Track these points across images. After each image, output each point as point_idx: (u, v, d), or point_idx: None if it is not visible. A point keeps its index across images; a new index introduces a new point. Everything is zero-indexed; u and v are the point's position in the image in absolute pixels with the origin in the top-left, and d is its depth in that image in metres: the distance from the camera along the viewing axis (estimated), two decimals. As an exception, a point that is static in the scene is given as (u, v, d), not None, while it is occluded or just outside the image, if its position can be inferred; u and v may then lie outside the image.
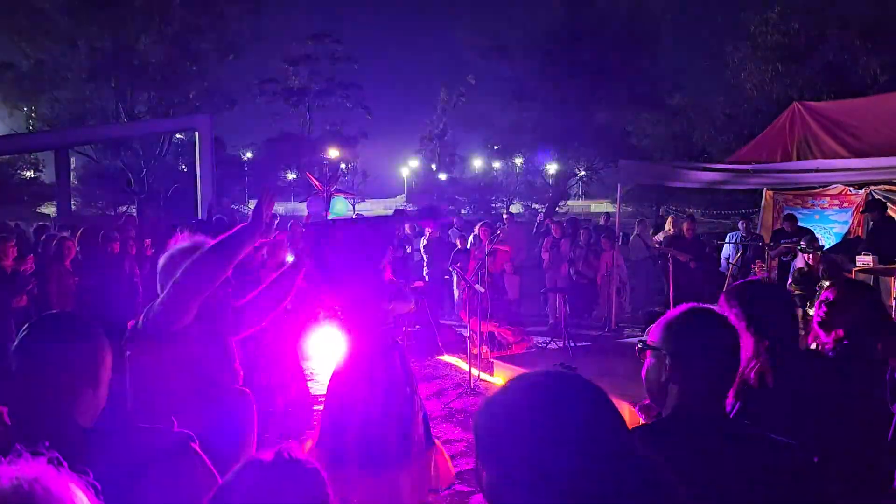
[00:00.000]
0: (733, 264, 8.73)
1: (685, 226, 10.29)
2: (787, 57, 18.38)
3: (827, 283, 3.46)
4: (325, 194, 9.71)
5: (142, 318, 2.35)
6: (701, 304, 1.79)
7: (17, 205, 35.16)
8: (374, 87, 60.15)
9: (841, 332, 2.67)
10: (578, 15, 27.49)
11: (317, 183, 9.78)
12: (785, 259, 9.41)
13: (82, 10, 23.84)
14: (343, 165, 39.10)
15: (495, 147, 34.22)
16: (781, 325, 2.35)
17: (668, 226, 11.97)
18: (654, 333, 1.77)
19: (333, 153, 12.43)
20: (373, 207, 47.64)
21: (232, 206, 32.70)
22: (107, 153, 26.21)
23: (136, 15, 24.69)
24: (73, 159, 32.56)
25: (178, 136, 26.72)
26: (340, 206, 10.31)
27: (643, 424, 1.87)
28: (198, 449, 1.62)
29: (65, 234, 8.03)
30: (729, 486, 1.54)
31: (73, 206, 35.53)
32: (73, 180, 36.16)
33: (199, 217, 10.45)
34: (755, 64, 19.09)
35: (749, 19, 19.39)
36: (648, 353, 1.77)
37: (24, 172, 37.44)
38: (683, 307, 1.77)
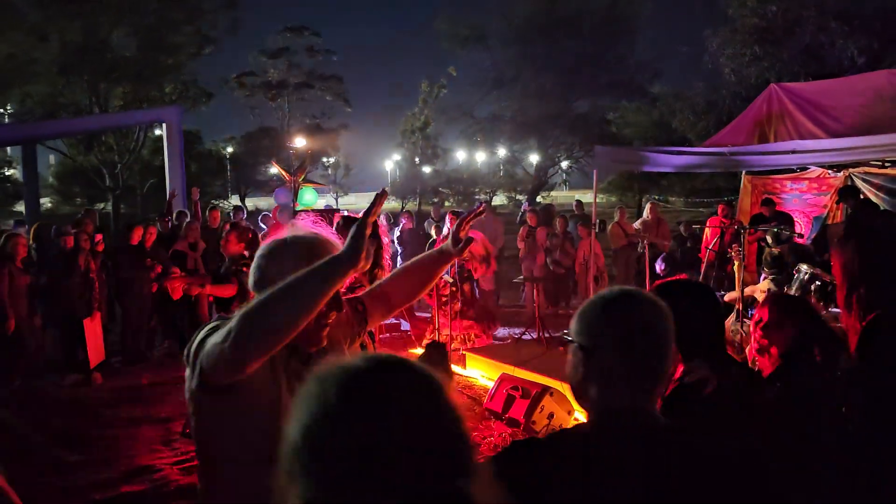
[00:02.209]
0: (711, 249, 8.54)
1: (647, 208, 10.12)
2: (765, 40, 18.15)
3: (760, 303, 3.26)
4: (292, 184, 9.40)
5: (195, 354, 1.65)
6: (626, 287, 1.55)
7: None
8: (354, 80, 59.66)
9: (775, 351, 2.47)
10: (557, 2, 27.25)
11: (284, 173, 9.46)
12: (763, 244, 9.23)
13: (53, 2, 23.27)
14: (325, 159, 38.74)
15: (477, 139, 34.00)
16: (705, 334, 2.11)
17: (646, 213, 11.76)
18: (574, 320, 1.53)
19: (300, 142, 12.13)
20: (357, 201, 47.33)
21: (213, 201, 32.33)
22: (80, 149, 25.67)
23: (108, 7, 24.14)
24: (50, 157, 32.20)
25: (157, 131, 26.22)
26: (309, 197, 10.01)
27: (553, 433, 1.58)
28: None
29: (15, 231, 7.71)
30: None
31: (49, 204, 35.18)
32: (50, 177, 35.72)
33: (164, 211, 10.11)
34: (733, 48, 18.87)
35: (727, 3, 19.18)
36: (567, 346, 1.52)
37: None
38: (605, 291, 1.52)
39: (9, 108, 25.01)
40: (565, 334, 1.53)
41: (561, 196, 40.59)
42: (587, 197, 12.56)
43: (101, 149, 25.15)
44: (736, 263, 6.70)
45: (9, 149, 28.22)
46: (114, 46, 25.02)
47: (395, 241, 11.25)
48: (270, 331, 1.51)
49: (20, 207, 27.70)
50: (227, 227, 6.58)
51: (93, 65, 24.14)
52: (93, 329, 7.74)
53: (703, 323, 2.09)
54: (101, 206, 28.78)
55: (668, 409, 1.86)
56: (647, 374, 1.42)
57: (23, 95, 24.45)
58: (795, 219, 9.94)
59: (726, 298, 6.90)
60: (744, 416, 1.98)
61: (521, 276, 10.47)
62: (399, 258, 10.95)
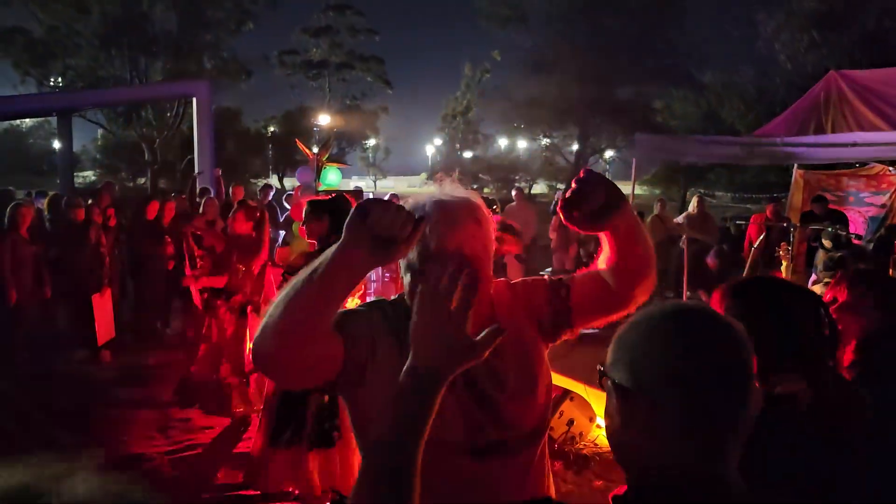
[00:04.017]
0: (756, 248, 7.92)
1: (693, 202, 9.49)
2: (825, 25, 17.07)
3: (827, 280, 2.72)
4: (315, 163, 9.03)
5: None
6: (680, 301, 1.15)
7: (36, 175, 35.30)
8: (396, 61, 59.30)
9: (853, 346, 1.95)
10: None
11: (307, 151, 9.10)
12: (814, 245, 8.56)
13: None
14: (365, 142, 38.53)
15: (521, 126, 33.38)
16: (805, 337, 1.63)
17: (692, 206, 11.05)
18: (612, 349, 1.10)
19: (324, 120, 11.78)
20: (395, 185, 47.20)
21: (252, 179, 32.36)
22: (119, 123, 25.84)
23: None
24: (99, 131, 32.56)
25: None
26: (333, 177, 9.63)
27: None
28: None
29: (21, 200, 7.50)
30: None
31: (94, 177, 35.73)
32: (95, 152, 36.27)
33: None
34: (789, 33, 17.84)
35: (784, -15, 18.18)
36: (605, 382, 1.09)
37: (43, 142, 37.54)
38: (653, 307, 1.09)
39: (51, 80, 25.23)
40: (600, 367, 1.10)
41: (602, 186, 39.74)
42: (628, 188, 11.89)
43: (140, 123, 25.24)
44: (784, 264, 6.11)
45: (55, 122, 28.64)
46: (154, 20, 25.00)
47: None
48: (275, 331, 1.38)
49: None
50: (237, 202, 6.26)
51: (133, 38, 24.21)
52: (102, 305, 7.51)
53: (799, 325, 1.64)
54: (142, 180, 29.01)
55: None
56: (714, 424, 0.99)
57: (64, 68, 24.65)
58: (850, 218, 9.22)
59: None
60: (843, 442, 1.55)
61: (550, 269, 9.94)
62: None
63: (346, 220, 1.30)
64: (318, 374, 1.55)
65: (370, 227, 1.28)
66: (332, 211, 4.15)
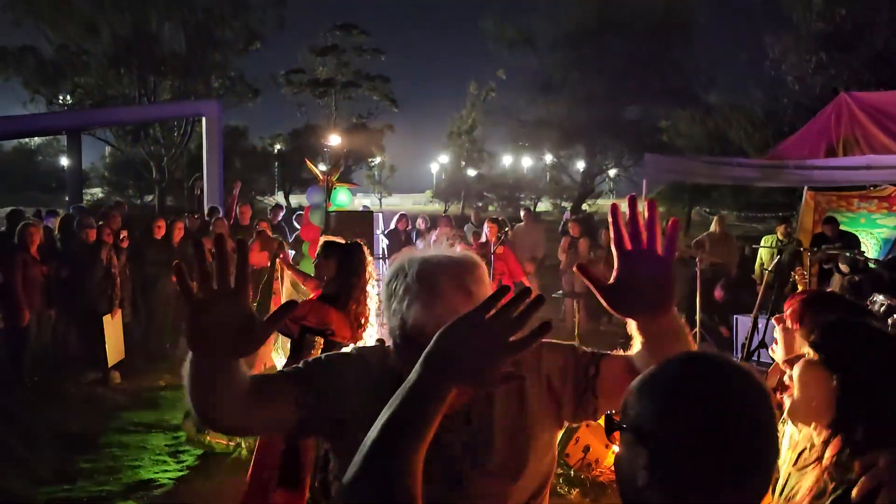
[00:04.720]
0: (769, 270, 7.85)
1: (714, 222, 9.42)
2: (833, 46, 17.09)
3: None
4: (325, 184, 9.01)
5: None
6: (705, 352, 1.05)
7: (44, 192, 35.46)
8: (402, 80, 59.66)
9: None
10: (609, 5, 26.46)
11: (317, 171, 9.10)
12: (826, 267, 8.50)
13: (104, -5, 23.68)
14: (370, 159, 38.64)
15: (525, 144, 33.48)
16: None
17: (713, 226, 10.86)
18: (627, 400, 1.03)
19: (335, 140, 11.84)
20: (401, 202, 47.20)
21: (258, 197, 32.43)
22: (127, 141, 26.00)
23: (158, 1, 24.42)
24: (107, 149, 32.74)
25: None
26: (343, 197, 9.61)
27: None
28: None
29: (29, 219, 7.50)
30: None
31: (101, 194, 35.85)
32: (103, 169, 36.42)
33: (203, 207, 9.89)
34: (797, 54, 17.86)
35: (790, 6, 18.15)
36: (617, 434, 1.03)
37: (51, 159, 37.74)
38: (677, 356, 1.03)
39: (60, 98, 25.44)
40: (613, 416, 1.04)
41: (606, 205, 39.74)
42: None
43: (148, 141, 25.39)
44: (800, 288, 6.06)
45: (64, 139, 28.85)
46: (163, 40, 25.26)
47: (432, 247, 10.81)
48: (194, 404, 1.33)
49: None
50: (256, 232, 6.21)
51: (142, 58, 24.44)
52: (112, 326, 7.49)
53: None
54: (150, 198, 29.08)
55: None
56: (747, 483, 0.94)
57: (73, 86, 24.85)
58: (862, 240, 9.16)
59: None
60: None
61: (561, 291, 9.90)
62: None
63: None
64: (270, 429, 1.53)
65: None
66: (343, 255, 4.13)
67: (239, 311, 1.18)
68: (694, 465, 0.92)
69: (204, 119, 13.37)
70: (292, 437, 1.48)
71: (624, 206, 1.31)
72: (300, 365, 1.50)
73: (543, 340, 1.37)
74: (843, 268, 6.56)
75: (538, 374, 1.47)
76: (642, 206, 1.28)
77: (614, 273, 1.27)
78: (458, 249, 1.45)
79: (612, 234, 1.28)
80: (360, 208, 12.72)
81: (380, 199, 42.27)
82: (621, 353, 1.48)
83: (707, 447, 0.91)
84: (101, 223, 7.73)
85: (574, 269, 1.36)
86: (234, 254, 1.23)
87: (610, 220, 1.28)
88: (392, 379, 1.14)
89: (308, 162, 9.52)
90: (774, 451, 0.96)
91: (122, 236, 7.49)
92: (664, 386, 0.98)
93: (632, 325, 1.34)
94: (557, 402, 1.46)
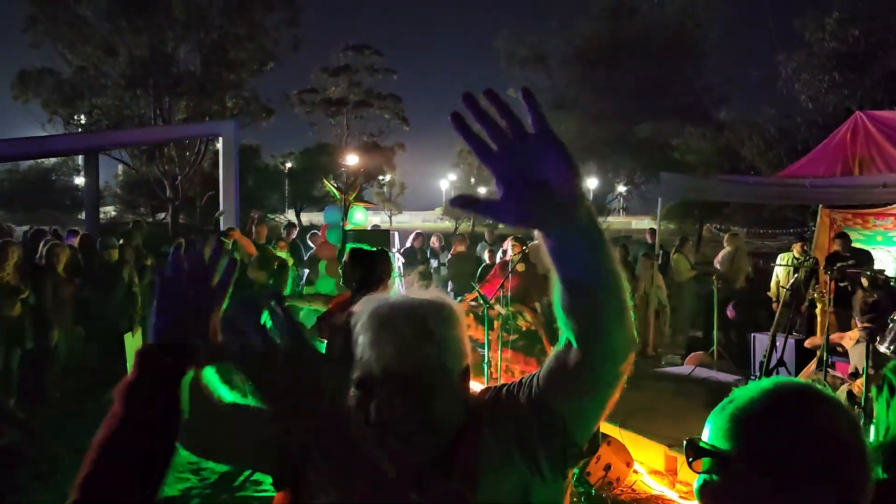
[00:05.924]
0: (786, 289, 7.86)
1: (726, 238, 9.42)
2: (845, 65, 17.18)
3: None
4: (343, 203, 9.14)
5: None
6: (799, 381, 1.07)
7: (60, 210, 35.81)
8: (412, 98, 59.98)
9: None
10: (620, 23, 26.65)
11: (335, 191, 9.21)
12: (842, 284, 8.48)
13: (121, 17, 24.04)
14: (381, 177, 38.86)
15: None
16: None
17: (726, 245, 10.88)
18: (711, 429, 1.04)
19: (352, 160, 12.00)
20: (411, 220, 47.31)
21: (269, 214, 32.65)
22: (142, 160, 26.30)
23: (175, 23, 24.82)
24: (119, 167, 33.19)
25: (218, 144, 26.68)
26: (360, 216, 9.72)
27: None
28: None
29: (52, 240, 7.60)
30: None
31: (114, 212, 36.19)
32: (116, 187, 36.81)
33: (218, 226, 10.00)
34: (809, 73, 17.93)
35: (804, 26, 18.26)
36: (700, 463, 1.03)
37: (66, 178, 38.18)
38: (773, 387, 1.03)
39: (77, 119, 25.83)
40: (692, 440, 1.03)
41: (617, 222, 39.71)
42: (643, 223, 11.89)
43: (163, 160, 25.68)
44: (819, 306, 6.07)
45: (80, 159, 29.25)
46: (178, 61, 25.64)
47: (447, 265, 10.90)
48: None
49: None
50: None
51: (158, 79, 24.79)
52: (134, 345, 7.57)
53: None
54: (162, 216, 29.32)
55: None
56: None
57: (90, 107, 25.21)
58: (879, 258, 9.14)
59: (807, 344, 6.25)
60: None
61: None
62: (449, 282, 10.58)
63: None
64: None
65: None
66: (373, 261, 4.23)
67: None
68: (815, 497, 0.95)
69: (221, 139, 13.53)
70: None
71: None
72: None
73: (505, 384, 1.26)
74: (866, 284, 6.56)
75: (501, 426, 1.22)
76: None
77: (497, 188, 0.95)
78: (432, 290, 1.31)
79: (469, 146, 0.96)
80: (369, 227, 12.83)
81: (390, 217, 42.40)
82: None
83: (829, 478, 0.95)
84: (122, 242, 7.84)
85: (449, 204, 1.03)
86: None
87: (459, 132, 0.95)
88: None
89: (326, 182, 9.64)
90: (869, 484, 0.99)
91: (144, 255, 7.58)
92: (786, 419, 0.99)
93: (543, 248, 1.01)
94: (538, 470, 1.19)
